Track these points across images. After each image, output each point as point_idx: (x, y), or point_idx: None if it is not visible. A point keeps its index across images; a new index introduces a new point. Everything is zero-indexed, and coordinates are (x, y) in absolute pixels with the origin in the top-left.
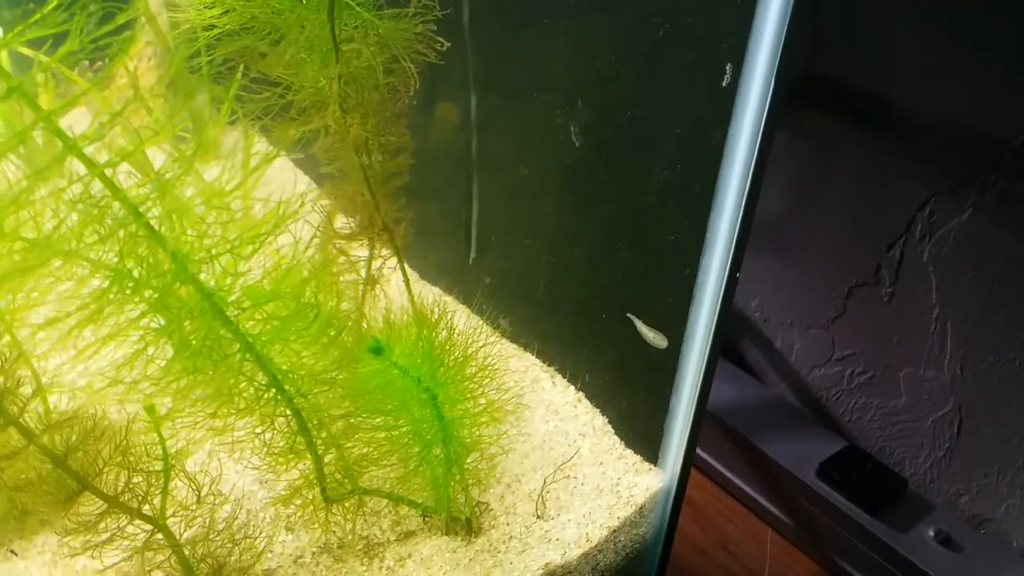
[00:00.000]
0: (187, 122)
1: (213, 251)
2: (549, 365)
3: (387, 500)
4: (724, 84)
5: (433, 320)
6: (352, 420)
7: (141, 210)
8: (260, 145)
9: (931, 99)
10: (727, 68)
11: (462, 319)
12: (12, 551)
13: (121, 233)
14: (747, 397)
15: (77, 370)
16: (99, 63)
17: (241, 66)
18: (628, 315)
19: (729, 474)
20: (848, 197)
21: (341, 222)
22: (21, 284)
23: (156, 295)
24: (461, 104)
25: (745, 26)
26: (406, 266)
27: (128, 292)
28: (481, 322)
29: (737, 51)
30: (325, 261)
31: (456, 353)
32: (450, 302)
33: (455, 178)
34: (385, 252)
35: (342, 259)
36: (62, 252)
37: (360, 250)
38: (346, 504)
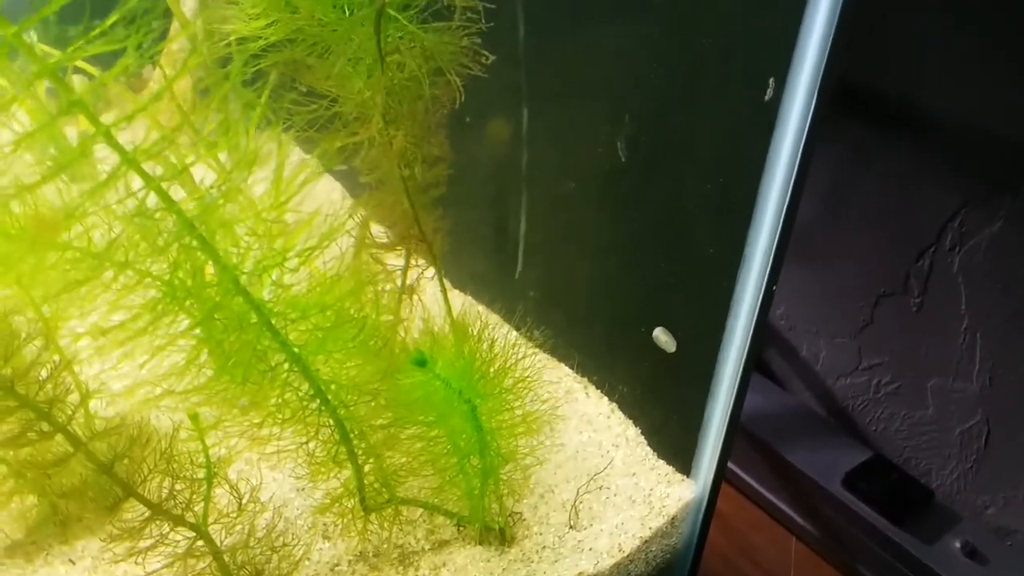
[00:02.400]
0: (222, 129)
1: (262, 264)
2: (583, 376)
3: (422, 509)
4: (766, 98)
5: (474, 332)
6: (392, 430)
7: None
8: (295, 155)
9: (963, 107)
10: (770, 82)
11: (495, 329)
12: (71, 560)
13: (174, 245)
14: (772, 405)
15: (117, 377)
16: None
17: (273, 73)
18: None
19: (753, 482)
20: (877, 206)
21: (377, 231)
22: (74, 295)
23: (208, 306)
24: (512, 120)
25: (789, 42)
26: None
27: (181, 304)
28: (514, 332)
29: (780, 66)
30: (368, 273)
31: (495, 365)
32: (482, 310)
33: (498, 190)
34: (421, 262)
35: (378, 268)
36: (117, 264)
37: (395, 259)
38: (383, 513)
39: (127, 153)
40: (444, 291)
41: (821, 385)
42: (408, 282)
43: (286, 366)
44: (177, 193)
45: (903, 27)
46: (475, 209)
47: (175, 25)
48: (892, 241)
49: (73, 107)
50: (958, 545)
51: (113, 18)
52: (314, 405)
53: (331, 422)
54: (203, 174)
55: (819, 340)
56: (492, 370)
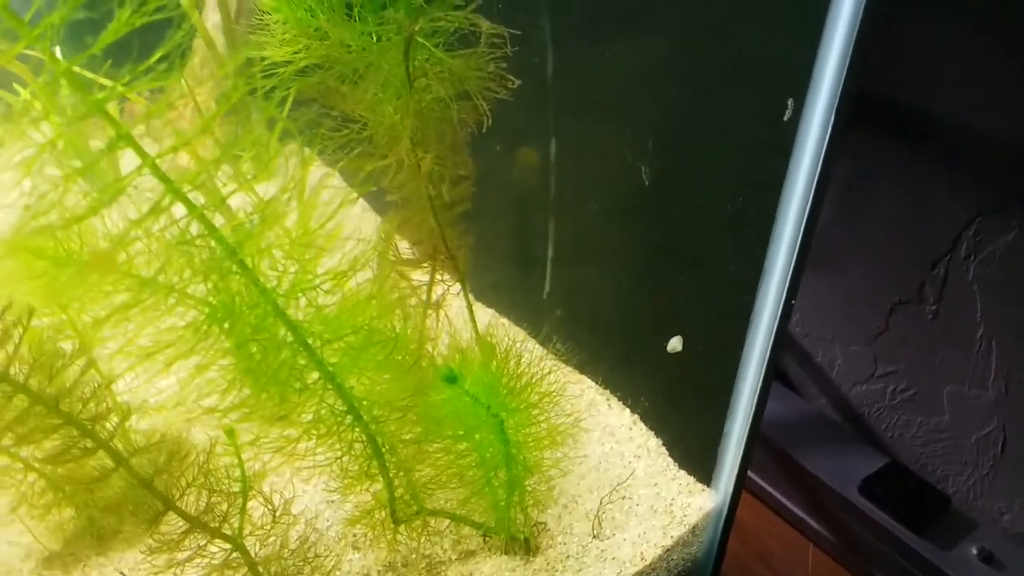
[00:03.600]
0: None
1: (299, 287)
2: (605, 388)
3: (449, 520)
4: (785, 118)
5: (502, 348)
6: (422, 444)
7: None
8: (334, 180)
9: (978, 116)
10: (788, 103)
11: (521, 343)
12: (121, 572)
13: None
14: (788, 412)
15: (152, 392)
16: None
17: (291, 88)
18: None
19: (770, 488)
20: (892, 214)
21: (403, 247)
22: (123, 320)
23: (248, 328)
24: (541, 147)
25: (807, 63)
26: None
27: (222, 326)
28: (537, 346)
29: (799, 86)
30: (399, 292)
31: (522, 380)
32: (506, 324)
33: (526, 213)
34: (446, 277)
35: (404, 284)
36: (164, 288)
37: (420, 275)
38: (412, 524)
39: (172, 183)
40: (470, 306)
41: (836, 392)
42: (434, 297)
43: (321, 384)
44: (215, 217)
45: (918, 35)
46: (502, 229)
47: (198, 41)
48: (907, 249)
49: (121, 141)
50: (975, 551)
51: (159, 53)
52: (347, 421)
53: (363, 437)
54: (239, 199)
55: (834, 347)
56: (519, 385)
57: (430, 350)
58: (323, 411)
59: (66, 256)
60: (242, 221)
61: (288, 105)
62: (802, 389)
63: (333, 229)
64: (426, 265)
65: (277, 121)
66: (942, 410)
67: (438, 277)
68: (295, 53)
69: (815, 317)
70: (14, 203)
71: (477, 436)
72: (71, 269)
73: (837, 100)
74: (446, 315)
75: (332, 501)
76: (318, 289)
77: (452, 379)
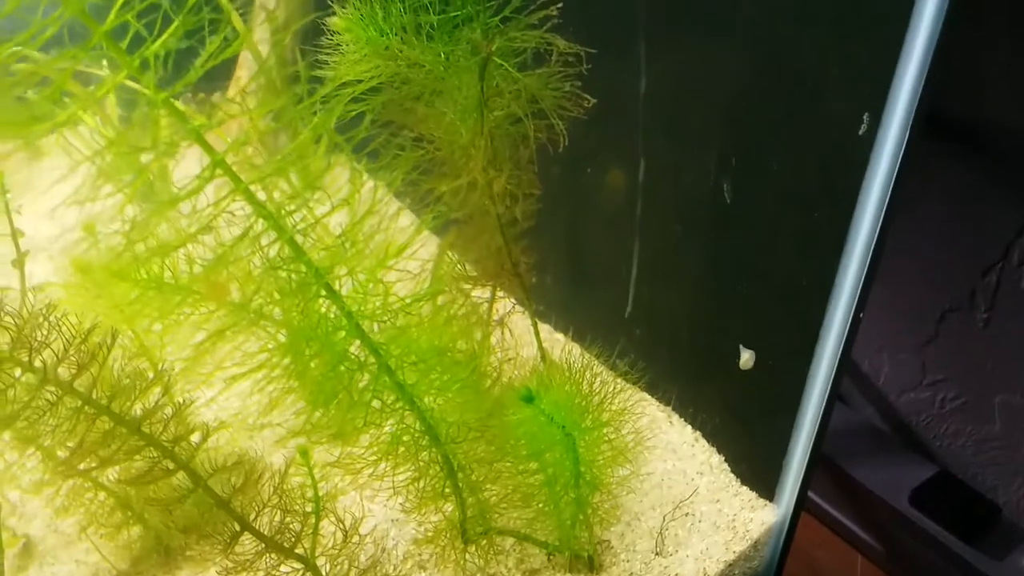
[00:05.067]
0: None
1: (381, 312)
2: (666, 405)
3: (513, 539)
4: (861, 133)
5: (575, 367)
6: (495, 464)
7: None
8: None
9: None
10: (864, 117)
11: (588, 361)
12: None
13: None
14: (835, 422)
15: (218, 409)
16: (201, 94)
17: (340, 100)
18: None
19: (817, 498)
20: (942, 221)
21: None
22: (217, 344)
23: (336, 351)
24: (628, 171)
25: (885, 79)
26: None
27: (307, 348)
28: (596, 362)
29: (876, 101)
30: (465, 310)
31: (594, 399)
32: (561, 339)
33: (609, 235)
34: (505, 294)
35: (466, 301)
36: (257, 313)
37: (482, 292)
38: (479, 543)
39: (264, 207)
40: (535, 324)
41: (883, 401)
42: (499, 315)
43: (400, 405)
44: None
45: (967, 42)
46: (579, 247)
47: (244, 54)
48: (958, 257)
49: (216, 168)
50: None
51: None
52: (424, 442)
53: (439, 458)
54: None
55: (882, 355)
56: (591, 404)
57: (496, 365)
58: (401, 432)
59: (166, 281)
60: (329, 245)
61: (335, 114)
62: (847, 397)
63: (412, 253)
64: (490, 283)
65: (352, 143)
66: (992, 419)
67: (500, 294)
68: (367, 70)
69: (864, 325)
70: (57, 214)
71: (549, 456)
72: (173, 295)
73: (913, 115)
74: (511, 332)
75: (397, 520)
76: (399, 312)
77: (529, 399)
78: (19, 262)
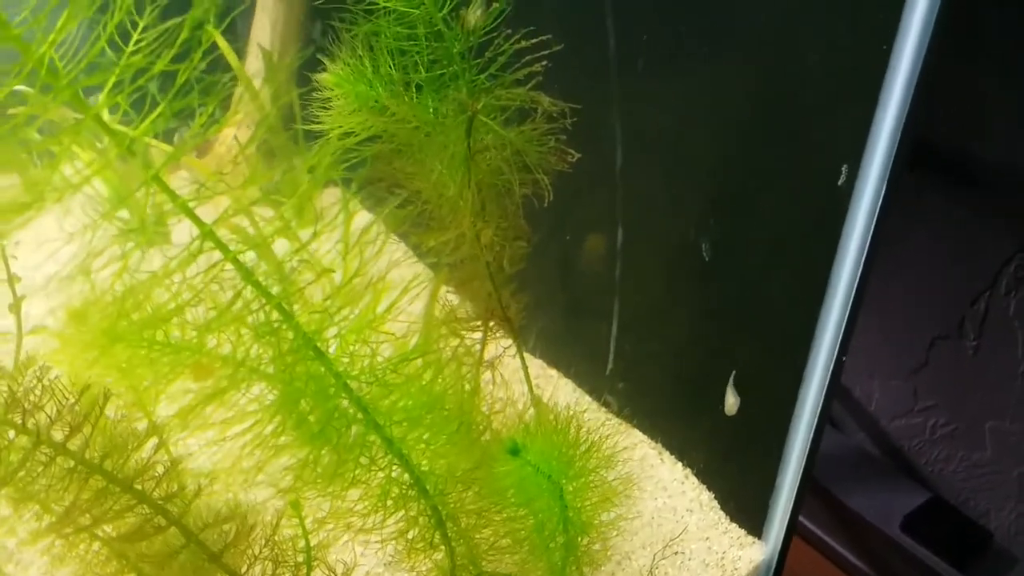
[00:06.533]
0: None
1: (370, 371)
2: (657, 442)
3: None
4: (840, 183)
5: (561, 413)
6: (483, 513)
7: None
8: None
9: (1019, 153)
10: (843, 169)
11: (566, 393)
12: None
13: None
14: (827, 446)
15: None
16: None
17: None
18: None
19: (809, 524)
20: (932, 250)
21: (451, 299)
22: (207, 405)
23: (326, 410)
24: (608, 232)
25: (862, 132)
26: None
27: (297, 408)
28: (588, 399)
29: (854, 152)
30: (453, 352)
31: (581, 447)
32: (554, 375)
33: (591, 289)
34: (499, 334)
35: (456, 343)
36: (248, 373)
37: (472, 334)
38: None
39: (253, 276)
40: (525, 367)
41: (875, 426)
42: (488, 358)
43: (389, 460)
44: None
45: (956, 73)
46: (563, 297)
47: (239, 89)
48: (947, 285)
49: (207, 237)
50: None
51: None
52: (413, 494)
53: (428, 509)
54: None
55: (873, 382)
56: (578, 452)
57: (487, 410)
58: (389, 485)
59: (157, 345)
60: (317, 307)
61: (328, 152)
62: (839, 423)
63: (403, 309)
64: (480, 325)
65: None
66: (983, 445)
67: (491, 336)
68: (359, 123)
69: (853, 351)
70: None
71: (537, 503)
72: (163, 358)
73: (890, 166)
74: (501, 375)
75: (389, 564)
76: (388, 371)
77: (516, 452)
78: (15, 306)
